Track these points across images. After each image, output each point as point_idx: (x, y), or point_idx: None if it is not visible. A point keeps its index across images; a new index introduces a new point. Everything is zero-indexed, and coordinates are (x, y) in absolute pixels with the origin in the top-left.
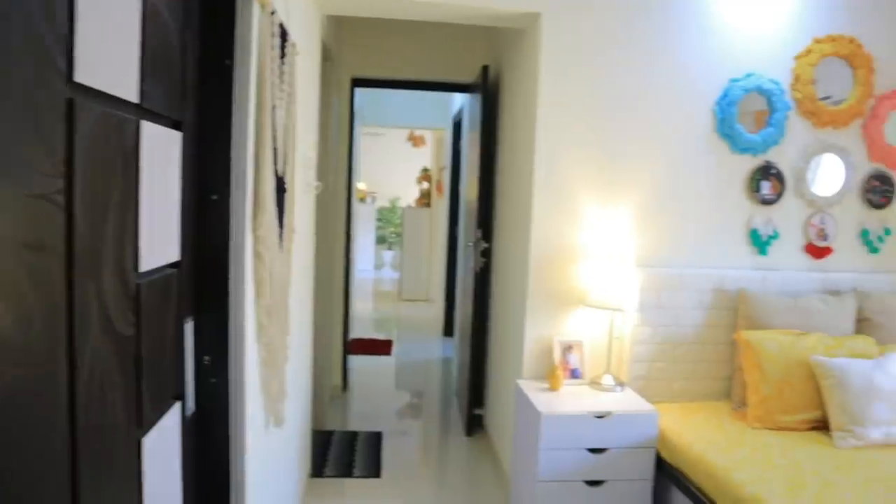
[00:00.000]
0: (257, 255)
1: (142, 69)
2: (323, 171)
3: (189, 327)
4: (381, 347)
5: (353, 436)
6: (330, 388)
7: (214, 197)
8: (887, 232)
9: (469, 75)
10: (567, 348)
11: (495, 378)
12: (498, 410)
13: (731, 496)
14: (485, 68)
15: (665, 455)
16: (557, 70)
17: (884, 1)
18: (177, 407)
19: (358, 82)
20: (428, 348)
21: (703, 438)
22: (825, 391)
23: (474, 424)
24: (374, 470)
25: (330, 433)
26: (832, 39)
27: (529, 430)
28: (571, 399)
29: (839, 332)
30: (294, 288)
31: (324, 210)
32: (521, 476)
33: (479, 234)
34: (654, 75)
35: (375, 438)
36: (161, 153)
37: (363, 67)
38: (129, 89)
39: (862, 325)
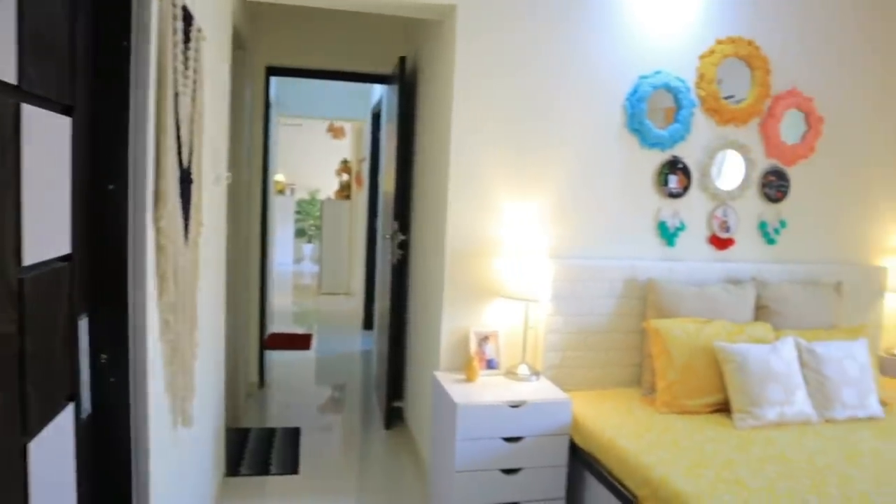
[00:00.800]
0: (160, 248)
1: (20, 48)
2: (236, 162)
3: (84, 324)
4: (300, 342)
5: (270, 433)
6: (246, 384)
7: (111, 187)
8: (783, 224)
9: (388, 66)
10: (483, 339)
11: (414, 370)
12: (417, 402)
13: (641, 478)
14: (402, 60)
15: (578, 441)
16: (473, 64)
17: (778, 6)
18: (70, 408)
19: (273, 71)
20: (348, 342)
21: (614, 424)
22: (727, 375)
23: (394, 417)
24: (291, 466)
25: (246, 431)
26: (732, 41)
27: (446, 422)
28: (487, 389)
29: (740, 318)
30: (203, 283)
31: (238, 202)
32: (439, 467)
33: (396, 226)
34: (567, 71)
35: (293, 434)
36: (47, 139)
37: (278, 56)
38: (5, 70)
39: (760, 311)
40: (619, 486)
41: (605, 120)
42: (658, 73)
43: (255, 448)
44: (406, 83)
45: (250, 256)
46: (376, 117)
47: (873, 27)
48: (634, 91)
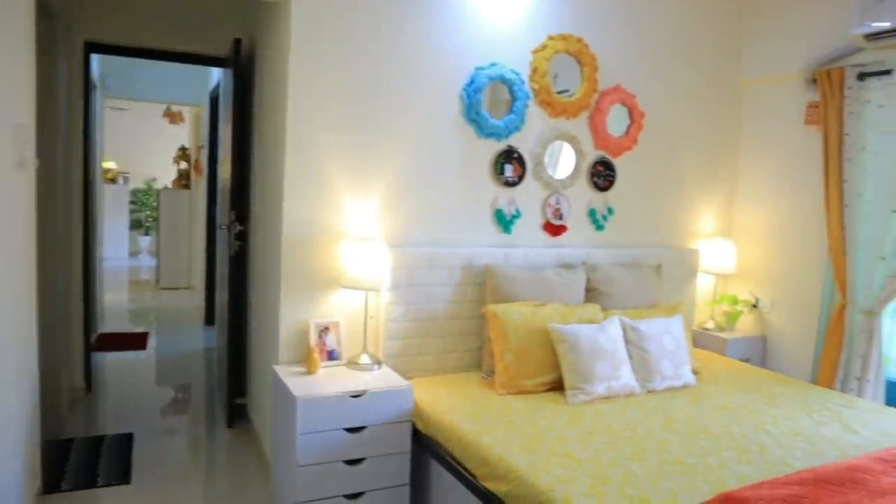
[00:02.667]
0: None
1: None
2: (48, 147)
3: None
4: (134, 341)
5: (97, 441)
6: (70, 391)
7: None
8: (611, 211)
9: (224, 48)
10: (324, 330)
11: (256, 365)
12: (260, 399)
13: (479, 458)
14: (237, 42)
15: (421, 427)
16: (309, 49)
17: (605, 8)
18: None
19: (94, 47)
20: (190, 339)
21: (455, 408)
22: (560, 355)
23: (237, 415)
24: (122, 476)
25: (69, 441)
26: (563, 38)
27: (287, 416)
28: (328, 381)
29: (572, 301)
30: None
31: (52, 191)
32: (282, 463)
33: (233, 216)
34: (405, 59)
35: (125, 441)
36: None
37: (101, 31)
38: None
39: (590, 293)
40: (460, 468)
41: (443, 109)
42: (494, 64)
43: (79, 460)
44: (242, 66)
45: (72, 250)
46: (215, 102)
47: (685, 33)
48: (471, 82)
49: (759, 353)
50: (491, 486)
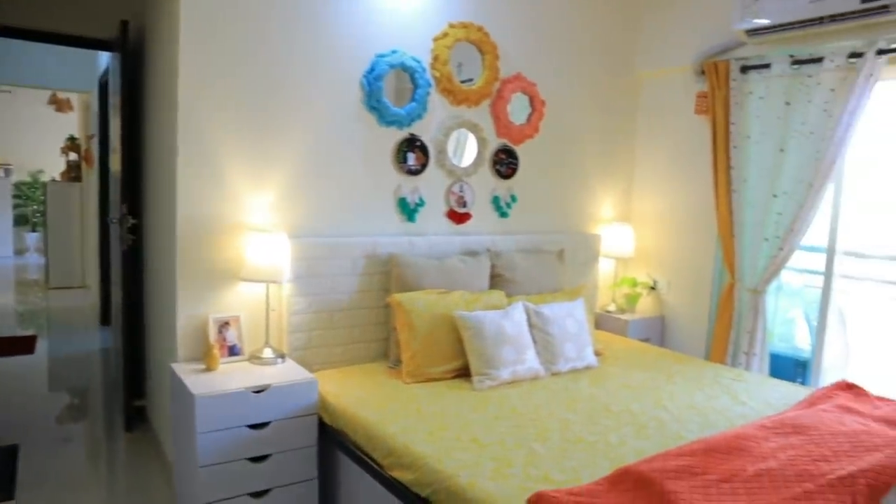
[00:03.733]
0: None
1: None
2: None
3: None
4: (20, 346)
5: None
6: None
7: None
8: (514, 199)
9: (111, 31)
10: (223, 325)
11: (154, 365)
12: (159, 400)
13: (385, 448)
14: (124, 23)
15: (327, 420)
16: (201, 33)
17: None
18: None
19: None
20: (85, 340)
21: (360, 399)
22: (466, 341)
23: (136, 418)
24: (5, 492)
25: None
26: (464, 26)
27: (186, 415)
28: (229, 377)
29: (477, 288)
30: None
31: None
32: (183, 464)
33: (125, 209)
34: (304, 46)
35: (8, 454)
36: None
37: None
38: None
39: (495, 280)
40: (367, 459)
41: (343, 97)
42: (395, 52)
43: None
44: (131, 51)
45: None
46: (104, 88)
47: (585, 25)
48: (371, 69)
49: (658, 332)
50: (398, 474)
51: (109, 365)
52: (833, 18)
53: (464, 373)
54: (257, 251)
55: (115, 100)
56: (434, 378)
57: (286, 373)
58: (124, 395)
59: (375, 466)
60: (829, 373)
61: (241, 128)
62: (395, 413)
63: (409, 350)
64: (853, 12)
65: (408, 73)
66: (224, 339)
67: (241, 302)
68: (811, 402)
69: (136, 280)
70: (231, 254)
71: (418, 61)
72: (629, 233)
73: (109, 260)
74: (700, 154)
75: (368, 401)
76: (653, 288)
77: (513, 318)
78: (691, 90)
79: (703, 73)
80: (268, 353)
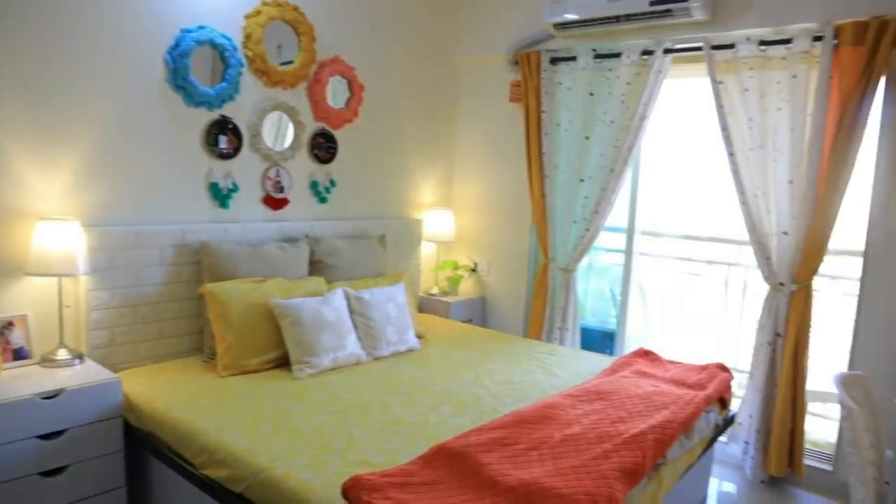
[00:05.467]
0: None
1: None
2: None
3: None
4: None
5: None
6: None
7: None
8: (333, 184)
9: None
10: (6, 326)
11: None
12: None
13: (197, 446)
14: None
15: (134, 422)
16: None
17: None
18: None
19: None
20: None
21: (170, 397)
22: (284, 330)
23: None
24: None
25: None
26: (279, 4)
27: None
28: (14, 383)
29: (296, 275)
30: None
31: None
32: None
33: None
34: (100, 16)
35: None
36: None
37: None
38: None
39: (315, 266)
40: (178, 459)
41: (145, 74)
42: (202, 28)
43: None
44: None
45: None
46: None
47: (404, 11)
48: (176, 45)
49: (480, 313)
50: (211, 472)
51: None
52: (628, 18)
53: (283, 362)
54: (46, 242)
55: None
56: (251, 370)
57: (84, 374)
58: None
59: (188, 467)
60: (632, 342)
61: (22, 106)
62: (208, 409)
63: (223, 342)
64: (643, 13)
65: (217, 50)
66: (7, 342)
67: (28, 299)
68: (613, 370)
69: None
70: (13, 247)
71: (229, 39)
72: (450, 217)
73: None
74: (516, 141)
75: (179, 398)
76: (473, 270)
77: (332, 305)
78: (506, 79)
79: (516, 63)
80: (63, 354)
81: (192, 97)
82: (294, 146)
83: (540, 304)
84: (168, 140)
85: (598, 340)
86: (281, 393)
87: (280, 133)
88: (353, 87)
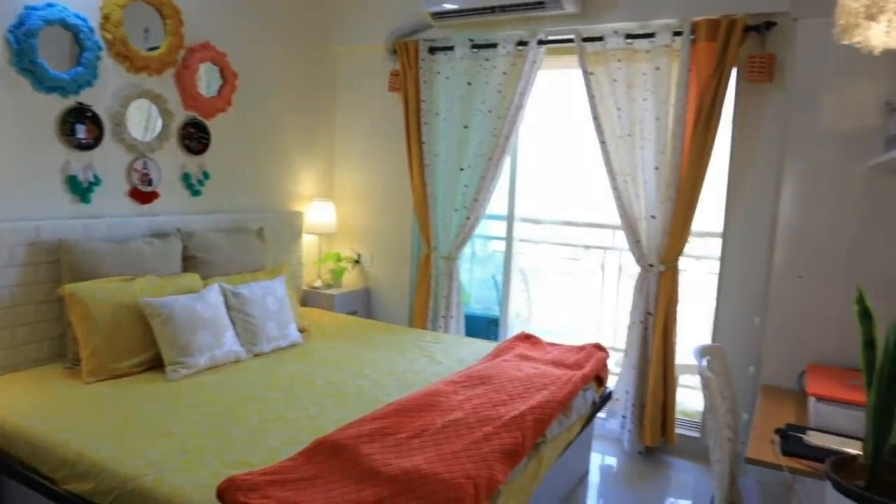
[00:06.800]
0: None
1: None
2: None
3: None
4: None
5: None
6: None
7: None
8: (207, 176)
9: None
10: None
11: None
12: None
13: (56, 459)
14: None
15: None
16: None
17: None
18: None
19: None
20: None
21: (25, 408)
22: (156, 330)
23: None
24: None
25: None
26: None
27: None
28: None
29: (168, 272)
30: None
31: None
32: None
33: None
34: None
35: None
36: None
37: None
38: None
39: (189, 262)
40: (35, 476)
41: None
42: (51, 6)
43: None
44: None
45: None
46: None
47: None
48: (20, 23)
49: (365, 304)
50: (74, 487)
51: None
52: (503, 9)
53: (156, 364)
54: None
55: None
56: (121, 374)
57: None
58: None
59: (46, 482)
60: (515, 327)
61: None
62: (70, 418)
63: (88, 346)
64: (518, 5)
65: (71, 32)
66: None
67: None
68: (495, 355)
69: None
70: None
71: (83, 19)
72: (331, 208)
73: None
74: (396, 130)
75: (36, 409)
76: (357, 262)
77: (208, 301)
78: (385, 68)
79: (395, 52)
80: None
81: (42, 82)
82: (162, 136)
83: (423, 294)
84: (15, 129)
85: (484, 327)
86: (153, 396)
87: (151, 123)
88: (226, 75)
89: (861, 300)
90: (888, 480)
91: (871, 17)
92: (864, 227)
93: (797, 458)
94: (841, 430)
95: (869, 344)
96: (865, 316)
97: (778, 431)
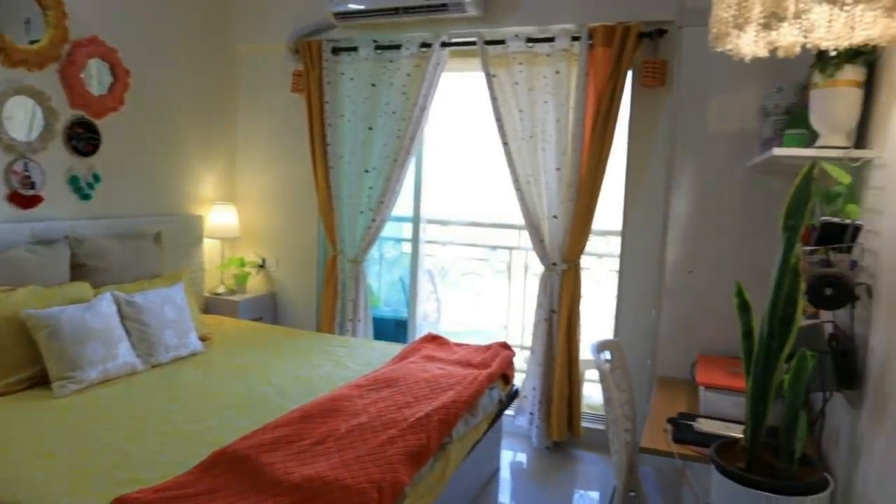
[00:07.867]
0: None
1: None
2: None
3: None
4: None
5: None
6: None
7: None
8: (97, 178)
9: None
10: None
11: None
12: None
13: None
14: None
15: None
16: None
17: None
18: None
19: None
20: None
21: None
22: (40, 344)
23: None
24: None
25: None
26: None
27: None
28: None
29: (54, 281)
30: None
31: None
32: None
33: None
34: None
35: None
36: None
37: None
38: None
39: (78, 270)
40: None
41: None
42: None
43: None
44: None
45: None
46: None
47: None
48: None
49: (271, 310)
50: None
51: None
52: (406, 10)
53: (42, 381)
54: None
55: None
56: (1, 392)
57: None
58: None
59: None
60: (423, 328)
61: None
62: None
63: None
64: (421, 7)
65: None
66: None
67: None
68: (402, 357)
69: None
70: None
71: None
72: (234, 212)
73: None
74: (299, 132)
75: None
76: (261, 266)
77: (99, 311)
78: (288, 68)
79: (297, 52)
80: None
81: None
82: (45, 136)
83: (330, 297)
84: None
85: (392, 329)
86: (37, 415)
87: (35, 122)
88: (117, 72)
89: (740, 293)
90: (766, 461)
91: (739, 27)
92: (745, 223)
93: (687, 444)
94: (727, 415)
95: (747, 334)
96: (744, 308)
97: (670, 420)
